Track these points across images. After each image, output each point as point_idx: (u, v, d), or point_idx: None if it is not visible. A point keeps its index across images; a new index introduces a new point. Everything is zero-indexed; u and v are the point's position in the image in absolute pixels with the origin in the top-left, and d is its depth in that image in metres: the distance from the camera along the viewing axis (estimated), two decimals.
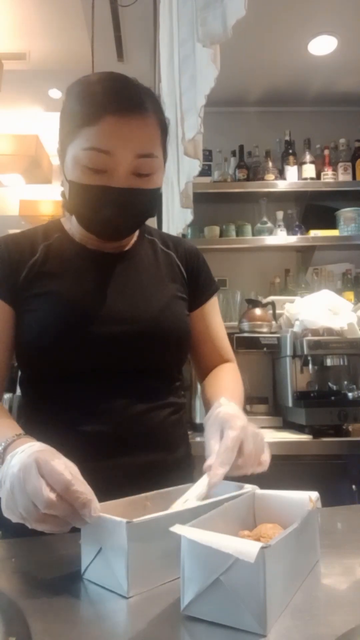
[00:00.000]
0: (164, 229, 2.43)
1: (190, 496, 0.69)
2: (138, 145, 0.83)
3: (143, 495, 0.72)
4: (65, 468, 0.61)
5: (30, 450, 0.65)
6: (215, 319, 1.07)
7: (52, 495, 0.58)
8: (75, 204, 0.89)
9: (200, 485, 0.71)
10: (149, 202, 0.90)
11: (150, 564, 0.58)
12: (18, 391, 2.23)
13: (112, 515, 0.59)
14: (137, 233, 1.02)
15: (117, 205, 0.86)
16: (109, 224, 0.89)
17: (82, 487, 0.59)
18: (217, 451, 0.73)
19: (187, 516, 0.59)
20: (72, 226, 0.98)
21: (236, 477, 0.75)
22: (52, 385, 0.91)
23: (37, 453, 0.63)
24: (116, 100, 0.82)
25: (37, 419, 0.93)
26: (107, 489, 0.71)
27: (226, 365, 1.07)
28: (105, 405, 0.88)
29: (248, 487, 0.72)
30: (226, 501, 0.66)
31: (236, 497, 0.69)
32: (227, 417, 0.77)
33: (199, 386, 2.21)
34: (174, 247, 1.05)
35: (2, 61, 3.32)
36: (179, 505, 0.67)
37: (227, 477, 0.73)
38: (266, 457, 0.79)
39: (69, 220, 0.99)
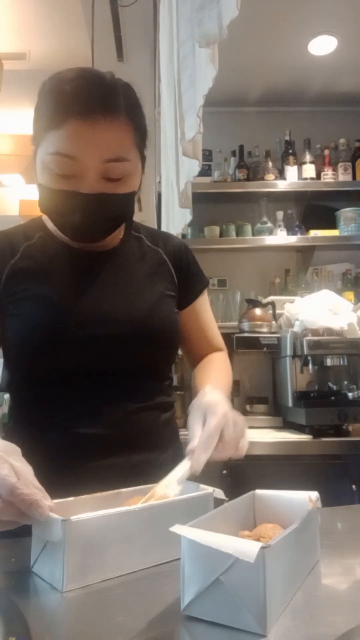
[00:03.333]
0: (164, 229, 2.43)
1: (172, 479, 0.72)
2: (105, 149, 0.80)
3: (128, 489, 0.74)
4: (10, 470, 0.60)
5: None
6: (206, 313, 1.08)
7: None
8: (46, 207, 0.87)
9: (181, 469, 0.73)
10: (121, 207, 0.87)
11: (87, 561, 0.60)
12: None
13: (85, 510, 0.63)
14: (122, 231, 1.00)
15: (86, 211, 0.83)
16: (79, 229, 0.87)
17: (28, 489, 0.59)
18: (199, 436, 0.76)
19: (130, 515, 0.63)
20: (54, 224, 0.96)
21: (208, 477, 0.77)
22: (41, 388, 0.89)
23: None
24: (81, 102, 0.79)
25: (27, 421, 0.92)
26: (99, 488, 0.73)
27: (216, 354, 1.09)
28: (96, 406, 0.88)
29: (208, 489, 0.74)
30: (182, 502, 0.69)
31: (192, 499, 0.71)
32: (210, 404, 0.80)
33: None
34: (162, 244, 1.03)
35: (2, 61, 3.32)
36: (161, 489, 0.71)
37: (207, 461, 0.76)
38: (244, 444, 0.81)
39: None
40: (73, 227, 0.87)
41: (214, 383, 0.92)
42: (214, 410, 0.78)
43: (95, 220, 0.86)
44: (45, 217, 0.98)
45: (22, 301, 0.89)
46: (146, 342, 0.91)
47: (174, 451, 0.99)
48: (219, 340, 1.11)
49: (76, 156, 0.80)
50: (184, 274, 1.04)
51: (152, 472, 0.88)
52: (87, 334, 0.87)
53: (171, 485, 0.71)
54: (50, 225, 0.96)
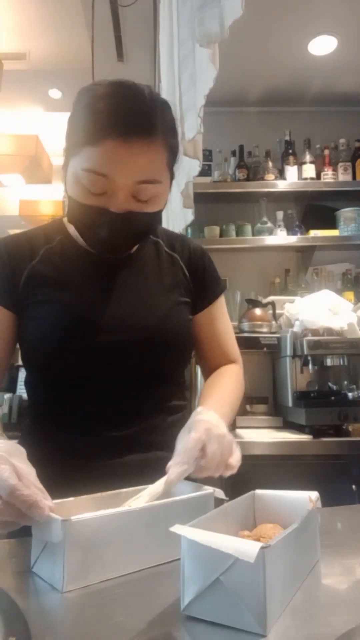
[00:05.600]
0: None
1: (144, 494, 0.71)
2: (139, 171, 0.80)
3: (128, 489, 0.74)
4: (12, 472, 0.61)
5: None
6: (221, 319, 1.06)
7: None
8: (74, 219, 0.88)
9: (157, 484, 0.73)
10: (148, 224, 0.88)
11: (87, 561, 0.60)
12: (18, 391, 2.23)
13: (86, 510, 0.63)
14: None
15: (114, 228, 0.84)
16: (105, 244, 0.88)
17: (28, 490, 0.60)
18: (177, 451, 0.75)
19: (130, 516, 0.64)
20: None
21: (207, 479, 0.77)
22: (56, 389, 0.91)
23: None
24: (120, 123, 0.78)
25: (42, 420, 0.94)
26: (110, 486, 0.74)
27: (228, 367, 1.06)
28: (109, 409, 0.89)
29: (208, 489, 0.73)
30: (183, 502, 0.69)
31: (192, 499, 0.71)
32: (196, 422, 0.79)
33: (199, 386, 2.21)
34: (179, 249, 1.04)
35: (2, 61, 3.32)
36: (130, 502, 0.70)
37: (197, 480, 0.76)
38: (234, 460, 0.79)
39: None
40: (99, 241, 0.88)
41: (211, 402, 0.91)
42: (197, 426, 0.77)
43: (122, 237, 0.87)
44: (66, 220, 0.98)
45: (40, 304, 0.90)
46: (159, 348, 0.92)
47: None
48: (234, 350, 1.08)
49: (110, 176, 0.80)
50: (200, 279, 1.03)
51: (163, 470, 0.88)
52: (102, 340, 0.88)
53: (141, 499, 0.70)
54: (71, 229, 0.97)
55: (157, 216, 0.89)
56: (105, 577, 0.61)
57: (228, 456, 0.78)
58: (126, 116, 0.79)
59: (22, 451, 0.68)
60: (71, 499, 0.68)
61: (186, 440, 0.75)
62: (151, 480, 0.77)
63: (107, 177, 0.80)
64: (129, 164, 0.80)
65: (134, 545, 0.64)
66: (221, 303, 1.07)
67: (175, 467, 0.72)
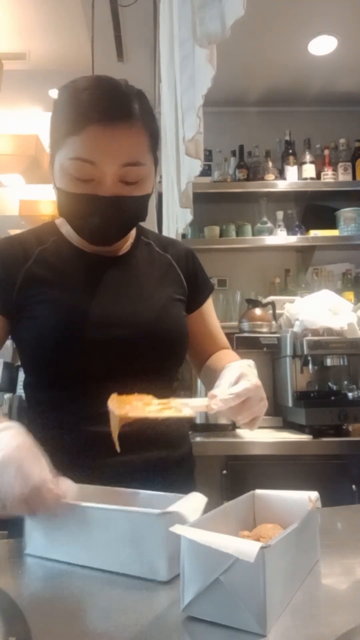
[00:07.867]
0: (164, 229, 2.43)
1: (188, 402, 0.75)
2: (123, 154, 0.84)
3: (131, 490, 0.76)
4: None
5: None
6: (212, 315, 1.12)
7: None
8: (64, 211, 0.90)
9: (199, 400, 0.76)
10: (137, 209, 0.90)
11: (47, 535, 0.68)
12: (18, 391, 2.22)
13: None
14: (133, 236, 1.03)
15: (105, 213, 0.86)
16: (98, 231, 0.90)
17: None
18: (225, 389, 0.77)
19: (83, 511, 0.66)
20: (68, 229, 0.97)
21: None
22: (55, 390, 0.91)
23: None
24: (101, 109, 0.82)
25: (41, 421, 0.93)
26: (110, 484, 0.75)
27: (225, 350, 1.11)
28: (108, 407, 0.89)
29: (175, 509, 0.68)
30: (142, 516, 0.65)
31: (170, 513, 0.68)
32: (249, 372, 0.81)
33: (199, 386, 2.21)
34: (171, 251, 1.06)
35: (2, 61, 3.32)
36: (178, 403, 0.75)
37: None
38: (258, 421, 0.82)
39: (65, 223, 0.98)
40: (91, 229, 0.89)
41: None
42: (250, 378, 0.79)
43: (113, 223, 0.89)
44: (58, 222, 1.01)
45: (37, 304, 0.90)
46: (156, 343, 0.93)
47: (185, 451, 1.00)
48: (225, 341, 1.13)
49: (96, 161, 0.83)
50: (193, 280, 1.06)
51: (162, 470, 0.88)
52: (100, 337, 0.88)
53: (188, 405, 0.74)
54: (64, 230, 0.99)
55: (144, 200, 0.91)
56: (63, 559, 0.66)
57: (258, 415, 0.80)
58: (106, 103, 0.83)
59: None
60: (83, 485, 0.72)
61: (239, 386, 0.77)
62: (152, 480, 0.77)
63: (93, 163, 0.83)
64: (113, 147, 0.83)
65: (89, 541, 0.66)
66: (210, 300, 1.12)
67: (218, 402, 0.74)
